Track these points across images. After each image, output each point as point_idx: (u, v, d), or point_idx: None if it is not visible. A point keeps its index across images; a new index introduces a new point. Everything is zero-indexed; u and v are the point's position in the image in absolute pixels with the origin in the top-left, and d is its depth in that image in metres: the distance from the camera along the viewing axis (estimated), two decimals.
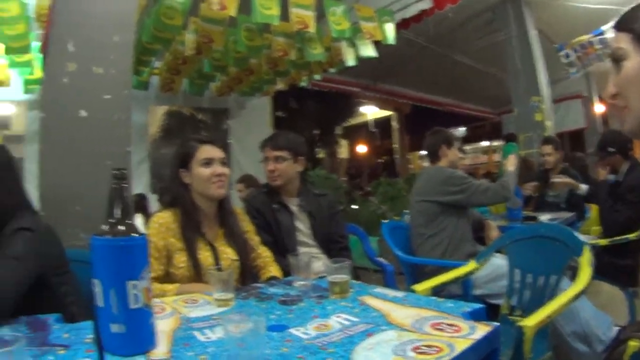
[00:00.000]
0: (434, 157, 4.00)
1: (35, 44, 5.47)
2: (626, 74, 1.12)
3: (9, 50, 5.25)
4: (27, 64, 6.10)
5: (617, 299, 3.72)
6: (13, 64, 6.20)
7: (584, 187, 4.82)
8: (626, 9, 1.15)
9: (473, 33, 9.84)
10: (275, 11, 4.43)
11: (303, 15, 4.62)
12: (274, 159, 3.10)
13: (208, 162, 2.43)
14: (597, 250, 3.46)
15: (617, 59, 1.13)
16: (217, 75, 7.32)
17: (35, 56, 5.92)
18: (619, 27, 1.15)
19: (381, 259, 3.72)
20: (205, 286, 2.23)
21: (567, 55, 8.37)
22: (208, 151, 2.46)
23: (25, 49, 5.27)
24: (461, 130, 21.98)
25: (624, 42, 1.12)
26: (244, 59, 6.10)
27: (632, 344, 1.43)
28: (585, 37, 8.13)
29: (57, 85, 3.15)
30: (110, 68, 3.24)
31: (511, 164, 3.97)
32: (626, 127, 1.16)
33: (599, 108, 12.29)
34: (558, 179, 4.89)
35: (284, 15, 4.62)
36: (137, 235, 1.39)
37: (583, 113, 12.44)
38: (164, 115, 8.31)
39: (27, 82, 6.69)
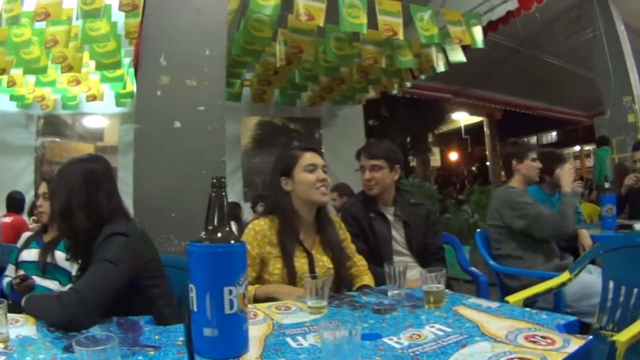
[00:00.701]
0: (507, 173, 3.88)
1: (126, 60, 5.70)
2: None
3: (99, 67, 5.52)
4: (119, 78, 6.42)
5: None
6: (105, 79, 6.52)
7: None
8: None
9: (561, 33, 9.49)
10: (362, 19, 4.43)
11: (391, 22, 4.60)
12: (370, 167, 3.08)
13: (312, 169, 2.45)
14: None
15: None
16: (309, 85, 7.40)
17: (126, 71, 6.18)
18: None
19: (474, 269, 3.63)
20: (282, 286, 2.28)
21: None
22: (312, 158, 2.48)
23: (116, 65, 5.52)
24: (552, 135, 21.38)
25: None
26: (334, 68, 6.12)
27: None
28: None
29: (150, 98, 3.29)
30: (203, 80, 3.35)
31: (566, 183, 3.68)
32: None
33: None
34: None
35: (372, 23, 4.61)
36: (235, 242, 1.41)
37: None
38: (255, 126, 8.51)
39: (119, 96, 7.04)
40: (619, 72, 8.20)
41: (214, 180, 1.43)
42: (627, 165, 6.64)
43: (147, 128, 3.27)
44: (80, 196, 2.00)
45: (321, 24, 4.41)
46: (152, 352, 1.41)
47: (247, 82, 7.26)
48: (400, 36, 4.72)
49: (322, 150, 8.14)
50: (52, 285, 3.02)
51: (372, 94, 7.89)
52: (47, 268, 3.05)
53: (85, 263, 1.97)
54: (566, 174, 3.75)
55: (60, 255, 3.02)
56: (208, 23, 3.47)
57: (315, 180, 2.42)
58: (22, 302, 1.81)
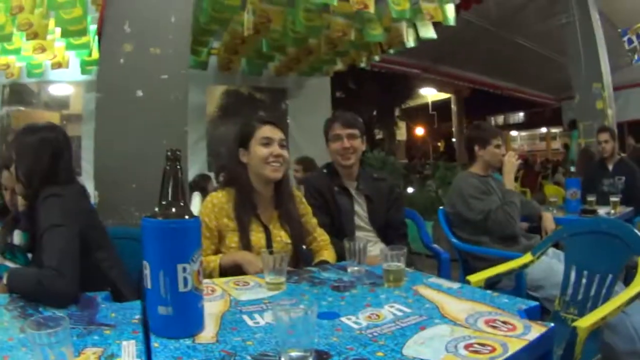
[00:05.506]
0: (470, 157, 3.82)
1: (93, 27, 5.54)
2: None
3: (65, 34, 5.31)
4: (85, 46, 6.20)
5: None
6: (70, 46, 6.31)
7: None
8: None
9: (534, 16, 9.48)
10: None
11: None
12: (347, 136, 3.01)
13: (267, 142, 2.39)
14: None
15: None
16: (276, 55, 7.27)
17: (92, 38, 6.01)
18: None
19: (436, 246, 3.61)
20: (247, 253, 2.25)
21: (630, 42, 7.99)
22: (268, 131, 2.43)
23: (82, 32, 5.31)
24: (520, 116, 21.63)
25: None
26: (302, 39, 6.00)
27: None
28: None
29: (113, 66, 3.16)
30: (167, 48, 3.23)
31: (508, 181, 3.61)
32: None
33: None
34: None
35: None
36: (189, 217, 1.36)
37: None
38: (222, 95, 8.34)
39: (85, 63, 6.82)
40: (590, 59, 8.26)
41: (169, 153, 1.38)
42: (592, 151, 6.72)
43: (108, 97, 3.16)
44: (44, 165, 1.99)
45: None
46: (108, 331, 1.37)
47: (214, 51, 7.09)
48: (371, 9, 4.63)
49: (288, 122, 8.12)
50: (11, 265, 2.94)
51: (340, 66, 7.78)
52: (6, 248, 2.97)
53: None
54: (508, 167, 3.66)
55: (18, 235, 2.94)
56: None
57: (269, 154, 2.38)
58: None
